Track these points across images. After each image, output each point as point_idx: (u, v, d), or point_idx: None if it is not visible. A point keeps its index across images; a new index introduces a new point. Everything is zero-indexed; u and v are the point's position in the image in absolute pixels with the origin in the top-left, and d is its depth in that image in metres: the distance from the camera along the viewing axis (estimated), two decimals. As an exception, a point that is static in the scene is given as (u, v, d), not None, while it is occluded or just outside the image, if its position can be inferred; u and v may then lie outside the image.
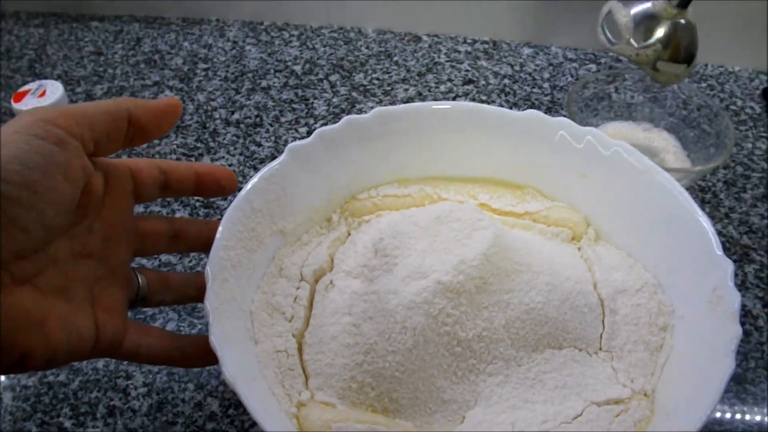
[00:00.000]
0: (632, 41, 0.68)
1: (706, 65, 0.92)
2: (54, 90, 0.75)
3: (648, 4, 0.68)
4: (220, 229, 0.47)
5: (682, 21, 0.67)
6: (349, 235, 0.56)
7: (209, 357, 0.41)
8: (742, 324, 0.59)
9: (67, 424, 0.55)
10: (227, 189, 0.48)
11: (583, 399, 0.46)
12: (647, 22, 0.68)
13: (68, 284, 0.39)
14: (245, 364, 0.44)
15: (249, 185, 0.51)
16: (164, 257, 0.67)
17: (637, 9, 0.68)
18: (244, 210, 0.50)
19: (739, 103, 0.87)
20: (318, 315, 0.50)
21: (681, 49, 0.68)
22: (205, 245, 0.47)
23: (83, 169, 0.39)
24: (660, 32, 0.67)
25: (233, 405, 0.56)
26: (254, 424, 0.53)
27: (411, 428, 0.45)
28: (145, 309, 0.58)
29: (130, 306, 0.47)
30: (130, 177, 0.44)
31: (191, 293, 0.49)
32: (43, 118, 0.37)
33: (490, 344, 0.47)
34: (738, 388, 0.57)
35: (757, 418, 0.56)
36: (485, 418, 0.45)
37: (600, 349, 0.49)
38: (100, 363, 0.59)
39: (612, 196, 0.55)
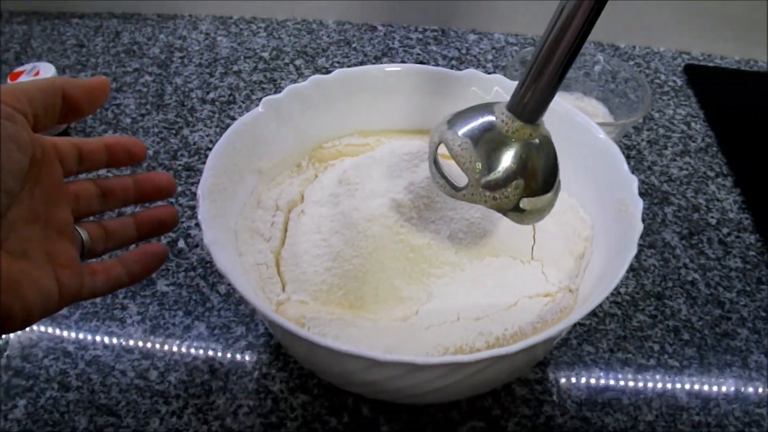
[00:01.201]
0: (481, 188, 0.48)
1: (634, 47, 1.03)
2: (47, 70, 0.83)
3: (486, 121, 0.49)
4: (209, 160, 0.56)
5: (538, 140, 0.49)
6: (317, 177, 0.65)
7: (151, 265, 0.49)
8: (662, 254, 0.69)
9: (71, 348, 0.62)
10: (137, 156, 0.50)
11: (516, 294, 0.55)
12: (493, 150, 0.48)
13: (27, 247, 0.41)
14: (233, 265, 0.52)
15: (231, 129, 0.59)
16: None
17: (472, 133, 0.48)
18: (227, 148, 0.58)
19: (663, 78, 0.97)
20: (292, 235, 0.58)
21: (543, 176, 0.50)
22: (135, 199, 0.51)
23: (31, 141, 0.40)
24: (513, 161, 0.48)
25: (218, 327, 0.63)
26: (236, 341, 0.62)
27: (372, 318, 0.53)
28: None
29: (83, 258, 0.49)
30: (53, 148, 0.45)
31: (132, 234, 0.51)
32: None
33: (438, 251, 0.56)
34: (658, 302, 0.66)
35: (670, 323, 0.65)
36: (435, 311, 0.54)
37: (532, 258, 0.58)
38: (98, 298, 0.66)
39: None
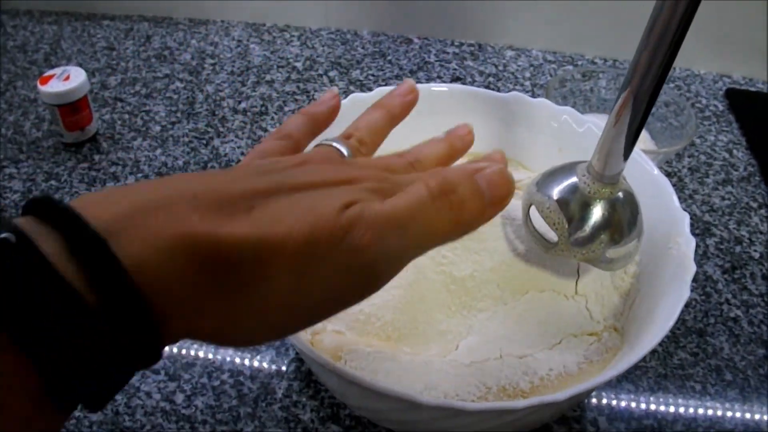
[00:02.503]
0: (571, 245, 0.52)
1: (675, 68, 1.00)
2: (77, 75, 0.81)
3: (570, 183, 0.53)
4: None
5: (620, 195, 0.52)
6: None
7: None
8: (703, 288, 0.66)
9: (96, 366, 0.61)
10: None
11: (561, 332, 0.53)
12: (579, 210, 0.52)
13: None
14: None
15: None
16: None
17: (560, 195, 0.52)
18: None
19: (704, 101, 0.95)
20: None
21: (627, 227, 0.53)
22: None
23: None
24: (597, 219, 0.51)
25: (247, 350, 0.62)
26: (266, 365, 0.60)
27: (411, 353, 0.52)
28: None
29: None
30: None
31: None
32: None
33: (480, 284, 0.54)
34: (699, 340, 0.64)
35: (712, 362, 0.63)
36: (476, 346, 0.52)
37: (576, 293, 0.56)
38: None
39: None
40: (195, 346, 0.62)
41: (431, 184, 0.34)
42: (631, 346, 0.51)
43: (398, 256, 0.33)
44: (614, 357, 0.52)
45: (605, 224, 0.51)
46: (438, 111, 0.66)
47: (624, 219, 0.52)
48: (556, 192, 0.53)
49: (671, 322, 0.47)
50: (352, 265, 0.31)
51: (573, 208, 0.52)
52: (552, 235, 0.53)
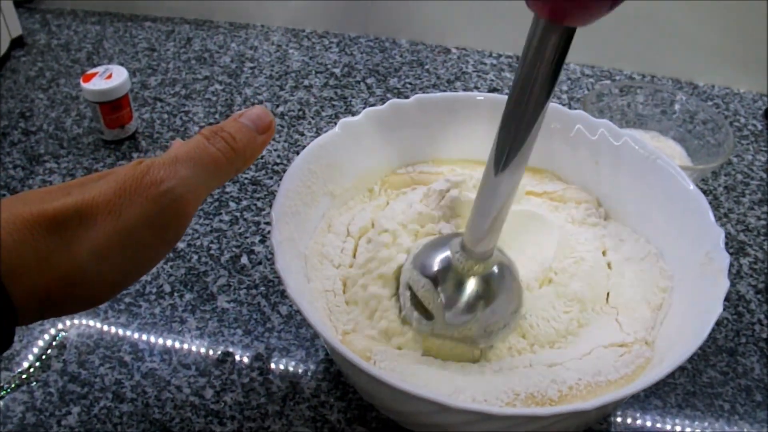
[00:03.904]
0: (446, 322, 0.51)
1: (713, 86, 1.00)
2: (119, 74, 0.83)
3: (442, 259, 0.52)
4: (282, 183, 0.55)
5: (494, 269, 0.52)
6: (388, 204, 0.63)
7: None
8: (735, 307, 0.66)
9: (127, 358, 0.62)
10: None
11: (591, 343, 0.53)
12: (453, 287, 0.51)
13: None
14: (302, 291, 0.51)
15: (307, 150, 0.58)
16: (216, 224, 0.74)
17: (433, 273, 0.52)
18: (302, 169, 0.57)
19: (743, 120, 0.94)
20: (361, 264, 0.57)
21: (503, 302, 0.52)
22: None
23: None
24: (471, 296, 0.51)
25: (277, 349, 0.62)
26: (295, 365, 0.61)
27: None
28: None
29: None
30: None
31: None
32: None
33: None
34: (730, 359, 0.64)
35: (742, 382, 0.62)
36: (506, 353, 0.52)
37: (606, 303, 0.56)
38: (157, 309, 0.65)
39: (621, 179, 0.62)
40: (226, 342, 0.62)
41: (204, 132, 0.45)
42: (660, 359, 0.51)
43: (195, 183, 0.42)
44: (644, 370, 0.51)
45: (478, 301, 0.51)
46: (475, 120, 0.66)
47: (498, 294, 0.51)
48: (429, 270, 0.52)
49: (703, 338, 0.46)
50: (158, 195, 0.40)
51: (447, 285, 0.51)
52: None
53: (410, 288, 0.53)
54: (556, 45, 0.38)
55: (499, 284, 0.52)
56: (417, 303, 0.52)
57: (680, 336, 0.51)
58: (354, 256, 0.58)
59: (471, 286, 0.51)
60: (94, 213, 0.38)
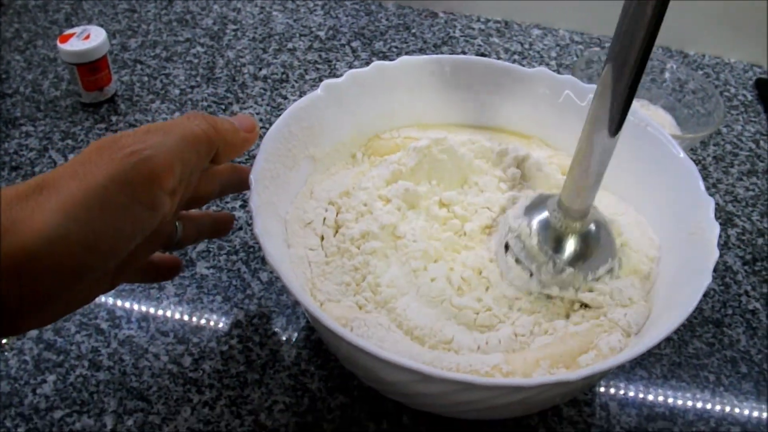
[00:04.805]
0: (548, 277, 0.52)
1: (704, 55, 0.99)
2: (98, 34, 0.80)
3: (543, 218, 0.54)
4: (262, 145, 0.53)
5: (592, 227, 0.53)
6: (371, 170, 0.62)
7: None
8: (723, 278, 0.65)
9: (104, 325, 0.60)
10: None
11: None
12: (553, 244, 0.53)
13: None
14: (282, 257, 0.50)
15: (287, 111, 0.57)
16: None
17: (536, 229, 0.53)
18: (282, 132, 0.56)
19: (733, 90, 0.93)
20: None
21: (601, 257, 0.53)
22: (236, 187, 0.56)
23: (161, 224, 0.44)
24: (570, 253, 0.53)
25: (257, 316, 0.61)
26: (275, 333, 0.59)
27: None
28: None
29: (166, 250, 0.55)
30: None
31: (210, 227, 0.56)
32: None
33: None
34: (716, 330, 0.63)
35: (728, 353, 0.62)
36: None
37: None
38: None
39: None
40: (205, 309, 0.61)
41: (187, 113, 0.45)
42: (648, 329, 0.50)
43: (167, 148, 0.40)
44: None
45: (577, 257, 0.52)
46: (464, 84, 0.65)
47: (596, 250, 0.53)
48: (534, 225, 0.54)
49: (692, 308, 0.45)
50: (123, 156, 0.38)
51: (547, 243, 0.53)
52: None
53: (508, 246, 0.54)
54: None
55: (596, 241, 0.53)
56: (516, 261, 0.53)
57: (668, 306, 0.50)
58: (335, 223, 0.57)
59: (568, 242, 0.52)
60: (57, 181, 0.37)
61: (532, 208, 0.55)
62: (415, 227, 0.56)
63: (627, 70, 0.43)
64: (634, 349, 0.45)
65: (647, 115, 0.78)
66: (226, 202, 0.71)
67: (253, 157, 0.53)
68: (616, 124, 0.46)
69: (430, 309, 0.51)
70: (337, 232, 0.56)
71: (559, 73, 0.88)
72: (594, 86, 0.61)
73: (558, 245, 0.52)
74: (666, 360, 0.61)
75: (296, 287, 0.45)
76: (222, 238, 0.67)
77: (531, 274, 0.53)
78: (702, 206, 0.53)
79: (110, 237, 0.39)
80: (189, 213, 0.54)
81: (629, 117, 0.59)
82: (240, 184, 0.54)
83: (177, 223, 0.51)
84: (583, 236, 0.53)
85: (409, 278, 0.52)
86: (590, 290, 0.53)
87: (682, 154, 0.56)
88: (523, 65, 0.92)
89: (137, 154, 0.39)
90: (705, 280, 0.47)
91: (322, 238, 0.55)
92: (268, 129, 0.55)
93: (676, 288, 0.50)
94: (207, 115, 0.44)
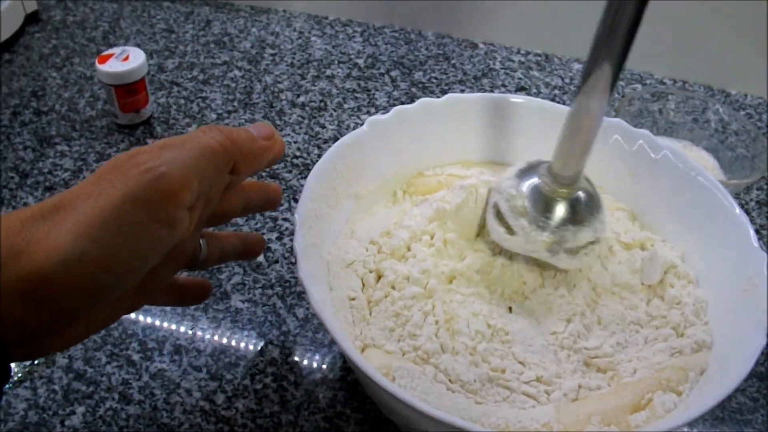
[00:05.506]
0: (534, 235, 0.53)
1: (746, 95, 0.97)
2: (137, 56, 0.80)
3: (533, 183, 0.55)
4: (308, 182, 0.53)
5: (580, 194, 0.54)
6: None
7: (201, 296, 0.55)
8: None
9: (135, 357, 0.59)
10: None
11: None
12: (541, 208, 0.54)
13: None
14: (325, 301, 0.49)
15: (333, 149, 0.56)
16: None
17: (525, 192, 0.54)
18: (327, 170, 0.55)
19: (776, 132, 0.91)
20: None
21: (585, 224, 0.54)
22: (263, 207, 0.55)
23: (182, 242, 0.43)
24: (558, 217, 0.53)
25: (292, 353, 0.60)
26: (311, 372, 0.58)
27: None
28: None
29: (191, 270, 0.53)
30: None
31: (238, 249, 0.55)
32: None
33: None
34: (760, 384, 0.61)
35: (777, 411, 0.60)
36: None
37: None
38: (168, 306, 0.63)
39: (658, 193, 0.60)
40: (239, 344, 0.60)
41: (202, 127, 0.43)
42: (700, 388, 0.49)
43: (182, 163, 0.39)
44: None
45: (563, 221, 0.53)
46: (509, 123, 0.64)
47: (581, 217, 0.53)
48: (518, 190, 0.55)
49: (746, 372, 0.44)
50: (139, 173, 0.38)
51: (534, 205, 0.54)
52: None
53: (496, 206, 0.56)
54: None
55: (582, 208, 0.54)
56: (501, 219, 0.55)
57: (721, 366, 0.48)
58: (376, 265, 0.56)
59: (556, 206, 0.53)
60: (73, 201, 0.37)
61: (523, 173, 0.56)
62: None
63: (619, 30, 0.45)
64: (685, 413, 0.44)
65: (690, 157, 0.77)
66: (262, 234, 0.70)
67: (290, 187, 0.52)
68: (608, 89, 0.47)
69: (474, 368, 0.49)
70: (378, 274, 0.55)
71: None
72: (644, 131, 0.60)
73: (545, 208, 0.53)
74: (709, 415, 0.59)
75: (340, 335, 0.44)
76: (255, 266, 0.66)
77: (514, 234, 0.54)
78: (755, 260, 0.51)
79: (127, 256, 0.38)
80: (215, 232, 0.54)
81: (679, 165, 0.58)
82: (267, 203, 0.53)
83: (201, 242, 0.50)
84: (571, 202, 0.53)
85: (445, 339, 0.51)
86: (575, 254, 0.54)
87: (737, 210, 0.54)
88: (564, 100, 0.91)
89: (153, 170, 0.38)
90: (760, 341, 0.46)
91: (363, 281, 0.54)
92: (305, 159, 0.54)
93: (731, 346, 0.49)
94: (222, 127, 0.43)
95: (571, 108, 0.50)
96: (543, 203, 0.53)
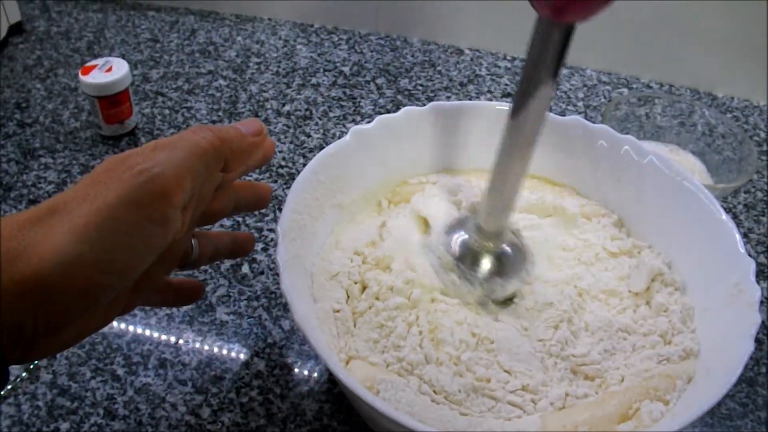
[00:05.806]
0: (463, 285, 0.54)
1: (732, 98, 0.97)
2: (120, 67, 0.79)
3: (461, 239, 0.56)
4: (290, 194, 0.52)
5: (505, 247, 0.55)
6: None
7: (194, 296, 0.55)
8: (756, 334, 0.63)
9: (120, 371, 0.59)
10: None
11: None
12: (470, 262, 0.55)
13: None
14: (309, 314, 0.48)
15: (315, 160, 0.55)
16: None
17: (457, 251, 0.56)
18: (311, 181, 0.54)
19: (762, 135, 0.91)
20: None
21: (512, 275, 0.55)
22: (254, 206, 0.54)
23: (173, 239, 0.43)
24: (484, 271, 0.55)
25: (278, 366, 0.59)
26: (297, 384, 0.58)
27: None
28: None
29: (183, 269, 0.53)
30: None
31: (229, 247, 0.55)
32: None
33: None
34: (749, 389, 0.61)
35: (762, 414, 0.60)
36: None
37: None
38: (153, 319, 0.63)
39: (644, 199, 0.60)
40: (224, 357, 0.60)
41: (191, 127, 0.44)
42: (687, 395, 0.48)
43: (175, 163, 0.40)
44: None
45: (490, 274, 0.54)
46: (495, 130, 0.63)
47: (508, 270, 0.55)
48: (451, 248, 0.56)
49: (734, 379, 0.44)
50: (132, 176, 0.38)
51: (464, 260, 0.55)
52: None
53: (439, 257, 0.56)
54: (557, 41, 0.43)
55: (509, 261, 0.55)
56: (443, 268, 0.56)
57: (708, 372, 0.48)
58: (361, 276, 0.55)
59: (482, 260, 0.55)
60: (68, 203, 0.37)
61: (452, 229, 0.57)
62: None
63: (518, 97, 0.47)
64: (672, 422, 0.44)
65: (677, 161, 0.77)
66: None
67: (276, 197, 0.52)
68: (530, 145, 0.48)
69: (458, 378, 0.49)
70: (363, 285, 0.55)
71: (586, 114, 0.87)
72: (629, 137, 0.60)
73: (473, 262, 0.54)
74: (698, 421, 0.59)
75: (323, 349, 0.43)
76: (240, 278, 0.66)
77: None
78: (742, 266, 0.51)
79: (123, 257, 0.39)
80: (206, 231, 0.54)
81: (666, 171, 0.58)
82: (256, 202, 0.54)
83: (193, 241, 0.51)
84: (497, 255, 0.55)
85: (429, 349, 0.50)
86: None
87: (723, 216, 0.54)
88: (551, 106, 0.90)
89: (146, 172, 0.39)
90: (747, 347, 0.45)
91: (348, 292, 0.54)
92: (291, 169, 0.54)
93: (718, 353, 0.49)
94: (212, 126, 0.44)
95: (493, 164, 0.50)
96: (471, 257, 0.55)
